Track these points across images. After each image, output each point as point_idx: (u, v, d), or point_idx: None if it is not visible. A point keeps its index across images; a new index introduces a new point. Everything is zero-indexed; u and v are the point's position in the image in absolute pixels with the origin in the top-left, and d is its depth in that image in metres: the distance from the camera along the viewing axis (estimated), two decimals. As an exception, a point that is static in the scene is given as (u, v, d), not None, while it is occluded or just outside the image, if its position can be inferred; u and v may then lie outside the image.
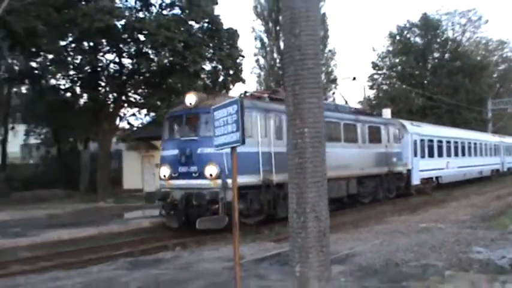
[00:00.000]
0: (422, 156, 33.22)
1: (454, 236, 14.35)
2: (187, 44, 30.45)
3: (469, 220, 18.69)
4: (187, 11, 32.00)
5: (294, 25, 5.86)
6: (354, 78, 56.84)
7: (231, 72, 34.08)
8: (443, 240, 13.69)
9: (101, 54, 33.11)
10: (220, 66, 33.88)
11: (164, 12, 33.09)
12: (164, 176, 19.07)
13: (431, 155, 34.73)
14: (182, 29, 31.02)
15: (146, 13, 33.01)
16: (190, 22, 32.44)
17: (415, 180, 31.78)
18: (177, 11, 32.97)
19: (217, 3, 33.63)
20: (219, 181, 17.62)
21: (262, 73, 57.47)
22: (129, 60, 33.65)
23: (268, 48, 56.72)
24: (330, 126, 22.87)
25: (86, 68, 32.55)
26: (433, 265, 10.67)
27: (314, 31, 5.95)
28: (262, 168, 18.83)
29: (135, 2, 33.28)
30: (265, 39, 56.69)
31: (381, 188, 27.92)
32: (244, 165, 17.31)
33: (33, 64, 32.42)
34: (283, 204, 19.31)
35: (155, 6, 33.41)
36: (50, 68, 31.86)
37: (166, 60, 31.46)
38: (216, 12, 33.24)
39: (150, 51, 32.45)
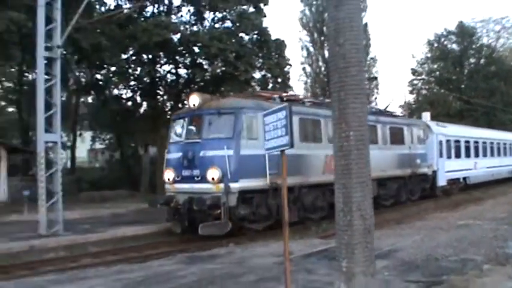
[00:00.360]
0: (449, 157, 31.13)
1: (491, 232, 14.08)
2: (238, 55, 30.57)
3: (506, 217, 18.25)
4: (237, 24, 32.13)
5: (338, 35, 5.81)
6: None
7: (279, 80, 34.08)
8: (481, 236, 13.44)
9: (159, 65, 33.59)
10: (269, 75, 33.89)
11: (216, 25, 33.39)
12: (168, 179, 17.65)
13: (458, 156, 32.56)
14: (233, 40, 31.18)
15: (200, 27, 33.43)
16: (241, 34, 32.58)
17: (441, 182, 29.76)
18: (228, 24, 33.20)
19: (265, 16, 33.69)
20: (222, 185, 16.13)
21: (308, 80, 57.46)
22: (185, 71, 34.05)
23: (314, 57, 56.65)
24: None
25: (146, 79, 33.01)
26: (471, 260, 10.49)
27: (357, 40, 5.89)
28: (268, 171, 16.78)
29: (190, 17, 33.84)
30: (311, 49, 56.66)
31: (404, 190, 25.71)
32: (248, 168, 16.51)
33: (98, 76, 33.10)
34: (294, 208, 18.34)
35: (208, 21, 33.91)
36: (113, 79, 32.50)
37: (219, 70, 31.69)
38: (264, 25, 33.30)
39: (203, 62, 32.74)
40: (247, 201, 16.87)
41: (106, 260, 14.13)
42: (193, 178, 16.88)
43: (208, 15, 33.62)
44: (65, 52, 21.72)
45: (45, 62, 18.69)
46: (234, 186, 16.20)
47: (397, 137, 25.22)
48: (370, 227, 5.86)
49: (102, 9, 30.70)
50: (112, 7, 31.35)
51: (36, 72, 20.05)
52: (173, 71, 34.25)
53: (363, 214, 5.76)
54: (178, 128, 18.59)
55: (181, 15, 34.11)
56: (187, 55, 32.70)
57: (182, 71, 34.25)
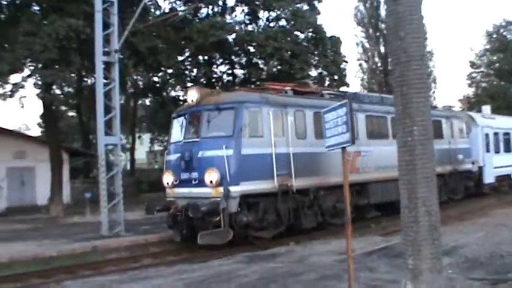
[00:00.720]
0: (497, 152, 28.44)
1: (558, 228, 13.72)
2: (294, 53, 30.45)
3: None
4: (292, 22, 32.02)
5: (399, 28, 5.75)
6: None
7: (336, 77, 33.78)
8: (547, 233, 13.11)
9: (215, 66, 33.85)
10: (325, 72, 33.64)
11: (271, 24, 33.37)
12: (167, 183, 16.14)
13: (508, 150, 29.54)
14: (288, 39, 31.05)
15: (254, 26, 33.48)
16: (296, 32, 32.39)
17: (489, 179, 27.28)
18: (283, 22, 33.09)
19: (319, 14, 33.55)
20: (221, 189, 14.46)
21: (365, 77, 56.91)
22: (241, 71, 34.20)
23: (369, 53, 56.07)
24: (373, 121, 19.49)
25: (202, 80, 33.30)
26: (537, 257, 10.21)
27: (418, 33, 5.82)
28: (276, 172, 15.21)
29: (244, 17, 33.93)
30: (367, 45, 56.06)
31: (444, 189, 22.78)
32: (252, 169, 14.88)
33: (155, 78, 33.60)
34: (309, 213, 16.75)
35: (262, 20, 33.89)
36: (170, 81, 32.96)
37: (274, 69, 31.67)
38: (318, 22, 33.13)
39: (259, 61, 32.83)
40: (251, 207, 15.28)
41: (167, 260, 14.34)
42: (191, 182, 15.44)
43: (263, 14, 33.64)
44: (122, 56, 22.12)
45: (104, 66, 19.10)
46: (235, 190, 14.57)
47: (434, 131, 22.31)
48: (436, 224, 5.77)
49: (157, 12, 31.13)
50: (167, 10, 31.77)
51: (95, 76, 20.50)
52: (229, 71, 34.48)
53: (429, 210, 5.69)
54: (178, 127, 16.98)
55: (236, 16, 34.32)
56: (242, 55, 32.90)
57: (238, 71, 34.47)
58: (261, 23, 33.87)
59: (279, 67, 31.32)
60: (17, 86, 26.11)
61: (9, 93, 25.93)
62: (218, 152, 14.77)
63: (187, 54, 32.53)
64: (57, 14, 23.45)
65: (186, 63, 32.96)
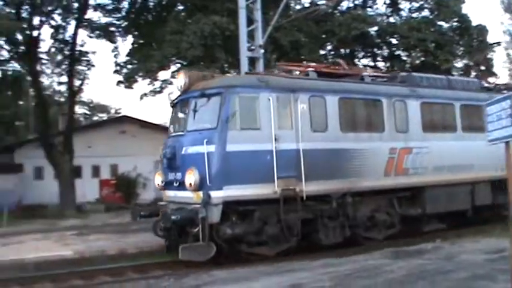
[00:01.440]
0: None
1: None
2: (438, 44, 29.45)
3: None
4: (436, 12, 31.07)
5: None
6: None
7: (482, 67, 32.31)
8: None
9: (357, 59, 33.44)
10: (471, 63, 32.28)
11: (413, 15, 32.58)
12: (158, 184, 13.96)
13: None
14: (432, 29, 30.12)
15: (396, 18, 32.85)
16: (440, 22, 31.36)
17: None
18: (426, 13, 32.22)
19: (464, 2, 32.12)
20: (202, 193, 11.93)
21: (513, 66, 54.00)
22: (383, 63, 33.57)
23: (517, 42, 53.12)
24: (433, 109, 15.96)
25: (344, 73, 33.08)
26: None
27: None
28: (278, 174, 12.35)
29: (386, 9, 33.43)
30: (514, 32, 53.14)
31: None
32: (242, 170, 12.20)
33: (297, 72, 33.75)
34: (332, 225, 13.78)
35: (404, 11, 33.25)
36: (311, 75, 32.91)
37: (418, 61, 30.80)
38: (463, 11, 31.77)
39: (402, 53, 32.18)
40: (244, 217, 12.60)
41: (310, 253, 14.19)
42: (174, 183, 13.11)
43: (405, 5, 33.04)
44: (264, 51, 22.44)
45: (247, 61, 19.45)
46: (216, 195, 11.93)
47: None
48: None
49: (297, 7, 31.27)
50: (306, 4, 31.85)
51: (238, 72, 20.93)
52: (371, 64, 33.96)
53: None
54: (171, 118, 14.72)
55: (377, 8, 33.84)
56: (385, 47, 32.42)
57: (380, 64, 33.88)
58: (403, 14, 33.23)
59: (422, 59, 30.39)
60: (165, 83, 27.37)
61: (159, 89, 27.22)
62: (199, 148, 12.25)
63: (329, 47, 32.49)
64: (202, 12, 24.23)
65: (328, 56, 32.82)
